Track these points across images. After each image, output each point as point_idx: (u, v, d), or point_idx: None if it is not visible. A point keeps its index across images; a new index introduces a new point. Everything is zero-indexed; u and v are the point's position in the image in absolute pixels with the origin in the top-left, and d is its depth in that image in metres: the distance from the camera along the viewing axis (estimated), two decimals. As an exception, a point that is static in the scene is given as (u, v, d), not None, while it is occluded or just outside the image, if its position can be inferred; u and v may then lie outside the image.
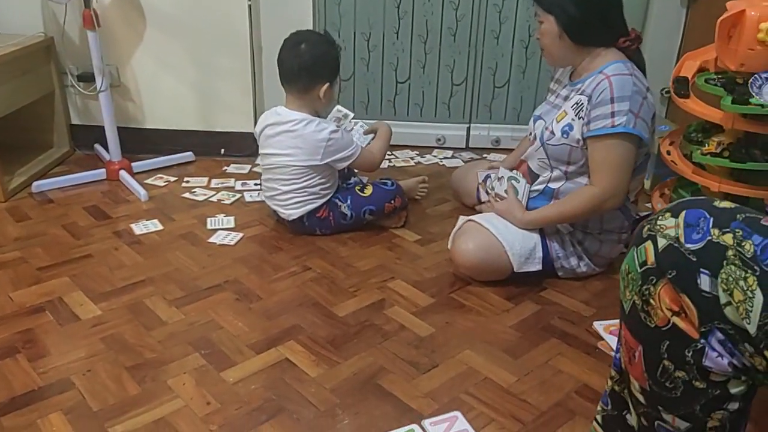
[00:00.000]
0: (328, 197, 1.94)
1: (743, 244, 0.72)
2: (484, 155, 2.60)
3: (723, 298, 0.73)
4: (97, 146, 2.51)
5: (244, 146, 2.50)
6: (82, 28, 2.24)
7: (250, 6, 2.37)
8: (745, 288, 0.71)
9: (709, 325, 0.75)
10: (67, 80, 2.44)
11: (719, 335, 0.75)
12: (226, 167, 2.48)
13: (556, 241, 1.72)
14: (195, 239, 1.95)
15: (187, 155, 2.51)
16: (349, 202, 1.95)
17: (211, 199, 2.21)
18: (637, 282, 0.81)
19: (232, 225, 2.04)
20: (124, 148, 2.35)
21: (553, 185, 1.71)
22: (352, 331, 1.53)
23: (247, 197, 2.23)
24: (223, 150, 2.56)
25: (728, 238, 0.73)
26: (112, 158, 2.34)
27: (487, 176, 1.99)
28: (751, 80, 1.52)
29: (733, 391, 0.79)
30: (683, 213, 0.79)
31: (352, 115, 2.05)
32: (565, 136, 1.64)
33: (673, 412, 0.83)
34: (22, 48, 2.23)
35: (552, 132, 1.67)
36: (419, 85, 2.66)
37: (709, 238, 0.75)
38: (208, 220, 2.06)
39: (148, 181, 2.33)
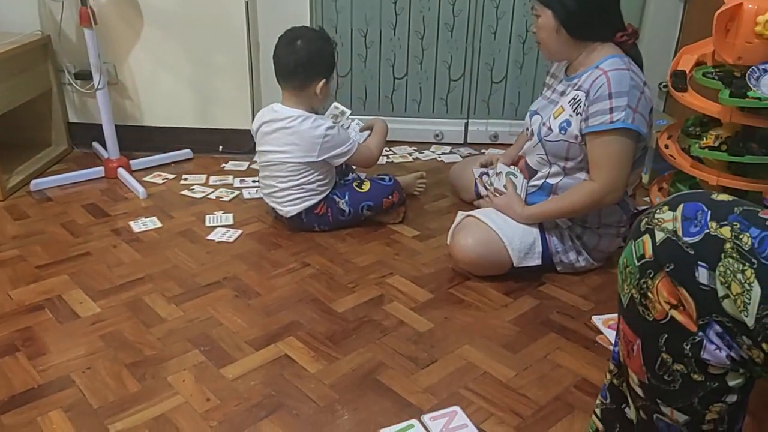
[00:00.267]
0: (326, 193, 1.94)
1: (741, 236, 0.72)
2: (483, 150, 2.60)
3: (721, 291, 0.73)
4: (95, 144, 2.51)
5: (242, 143, 2.50)
6: (78, 26, 2.23)
7: (247, 3, 2.37)
8: (743, 281, 0.71)
9: (707, 318, 0.75)
10: (64, 78, 2.44)
11: (717, 328, 0.75)
12: (224, 164, 2.48)
13: (555, 235, 1.72)
14: (194, 236, 1.95)
15: (186, 152, 2.51)
16: (347, 198, 1.95)
17: (209, 197, 2.21)
18: (635, 275, 0.81)
19: (230, 222, 2.04)
20: (122, 146, 2.35)
21: (551, 181, 1.71)
22: (351, 326, 1.53)
23: (246, 194, 2.23)
24: (221, 147, 2.56)
25: (726, 231, 0.73)
26: (110, 156, 2.34)
27: (483, 173, 1.98)
28: (748, 72, 1.52)
29: (732, 383, 0.79)
30: (681, 206, 0.78)
31: (349, 112, 2.05)
32: (563, 132, 1.64)
33: (672, 405, 0.83)
34: (19, 46, 2.22)
35: (549, 128, 1.67)
36: (417, 81, 2.65)
37: (707, 231, 0.75)
38: (207, 217, 2.06)
39: (147, 178, 2.33)
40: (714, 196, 0.79)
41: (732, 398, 0.80)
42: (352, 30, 2.57)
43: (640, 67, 1.65)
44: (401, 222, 2.05)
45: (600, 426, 1.01)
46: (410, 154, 2.61)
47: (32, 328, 1.51)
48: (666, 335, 0.79)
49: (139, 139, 2.51)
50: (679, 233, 0.77)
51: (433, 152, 2.63)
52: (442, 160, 2.56)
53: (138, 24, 2.39)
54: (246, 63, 2.44)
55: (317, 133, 1.84)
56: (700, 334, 0.76)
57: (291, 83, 1.87)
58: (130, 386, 1.33)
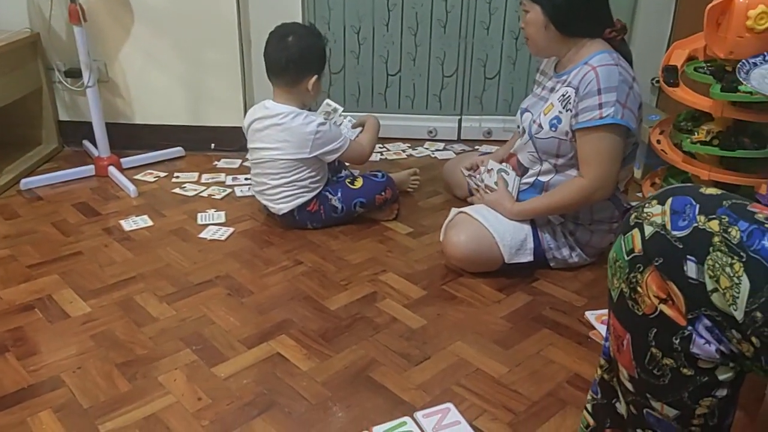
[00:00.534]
0: (318, 191, 1.93)
1: (729, 230, 0.72)
2: (476, 147, 2.60)
3: (710, 285, 0.73)
4: (86, 142, 2.50)
5: (234, 141, 2.49)
6: (68, 23, 2.22)
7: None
8: (732, 274, 0.71)
9: (696, 312, 0.75)
10: (54, 76, 2.43)
11: (706, 322, 0.75)
12: (216, 162, 2.47)
13: (548, 232, 1.72)
14: (185, 235, 1.94)
15: (177, 150, 2.50)
16: (339, 195, 1.95)
17: (201, 195, 2.20)
18: (625, 270, 0.81)
19: (222, 220, 2.03)
20: (113, 144, 2.34)
21: (543, 178, 1.71)
22: (344, 324, 1.53)
23: (238, 192, 2.22)
24: (213, 145, 2.55)
25: (714, 225, 0.73)
26: (100, 154, 2.32)
27: (470, 175, 1.98)
28: (738, 66, 1.52)
29: (721, 377, 0.79)
30: (669, 200, 0.78)
31: (341, 109, 2.04)
32: (553, 129, 1.64)
33: (662, 400, 0.83)
34: (7, 44, 2.21)
35: (540, 125, 1.67)
36: (410, 78, 2.65)
37: (696, 224, 0.74)
38: (199, 215, 2.05)
39: (138, 177, 2.32)
40: (703, 190, 0.79)
41: (722, 392, 0.80)
42: (344, 26, 2.56)
43: (629, 62, 1.65)
44: (394, 219, 2.04)
45: (591, 421, 1.01)
46: (404, 151, 2.60)
47: (23, 328, 1.50)
48: (655, 329, 0.79)
49: (130, 137, 2.49)
50: (668, 227, 0.76)
51: (427, 149, 2.63)
52: (435, 157, 2.56)
53: (128, 21, 2.38)
54: (238, 60, 2.43)
55: (309, 129, 1.84)
56: (690, 328, 0.76)
57: (282, 80, 1.86)
58: (121, 386, 1.32)
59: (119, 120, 2.50)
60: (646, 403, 0.85)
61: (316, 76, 1.87)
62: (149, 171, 2.37)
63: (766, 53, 1.14)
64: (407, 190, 2.21)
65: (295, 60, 1.83)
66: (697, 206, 0.76)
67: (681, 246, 0.75)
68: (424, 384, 1.34)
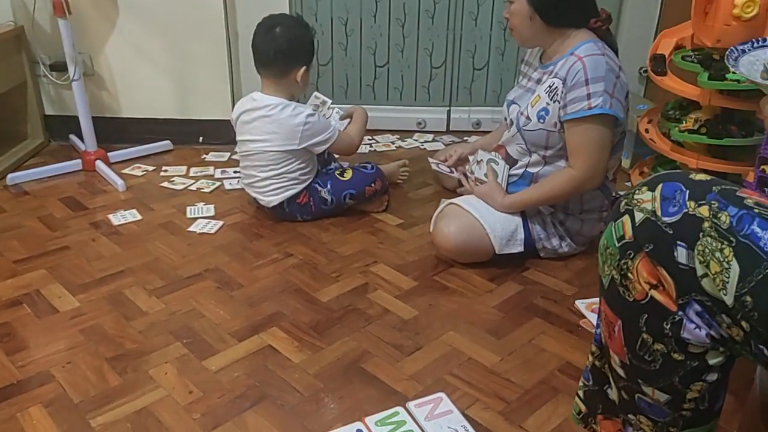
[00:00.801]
0: (308, 182, 1.93)
1: (719, 215, 0.72)
2: (465, 138, 2.59)
3: (700, 270, 0.73)
4: (72, 137, 2.47)
5: (222, 134, 2.47)
6: (52, 16, 2.19)
7: (224, -9, 2.34)
8: (722, 259, 0.71)
9: (687, 298, 0.75)
10: (39, 70, 2.39)
11: (697, 307, 0.75)
12: (204, 155, 2.45)
13: (538, 222, 1.73)
14: (174, 228, 1.92)
15: (165, 144, 2.48)
16: (329, 186, 1.94)
17: (190, 188, 2.19)
18: (615, 257, 0.81)
19: (212, 213, 2.02)
20: (99, 138, 2.32)
21: (532, 170, 1.71)
22: (335, 316, 1.53)
23: (227, 185, 2.20)
24: (201, 138, 2.53)
25: (704, 210, 0.73)
26: (87, 148, 2.30)
27: (437, 163, 1.98)
28: (727, 53, 1.52)
29: (712, 362, 0.79)
30: (660, 186, 0.78)
31: (330, 101, 2.03)
32: (541, 121, 1.64)
33: (653, 385, 0.83)
34: (-9, 37, 2.18)
35: (528, 117, 1.66)
36: (398, 69, 2.64)
37: (686, 210, 0.75)
38: (188, 208, 2.04)
39: (126, 171, 2.30)
40: (692, 176, 0.79)
41: (712, 377, 0.80)
42: (332, 18, 2.55)
43: (615, 52, 1.65)
44: (384, 210, 2.04)
45: (583, 407, 1.01)
46: (393, 143, 2.60)
47: (10, 323, 1.48)
48: (646, 315, 0.79)
49: (117, 131, 2.47)
50: (658, 213, 0.77)
51: (416, 140, 2.62)
52: (424, 148, 2.55)
53: (113, 13, 2.35)
54: (225, 52, 2.41)
55: (297, 120, 1.83)
56: (680, 313, 0.76)
57: (270, 71, 1.85)
58: (111, 380, 1.31)
59: (106, 114, 2.48)
60: (638, 388, 0.85)
61: (304, 67, 1.86)
62: (137, 165, 2.35)
63: (755, 40, 1.14)
64: (397, 181, 2.20)
65: (284, 51, 1.82)
66: (687, 192, 0.76)
67: (671, 232, 0.75)
68: (416, 374, 1.34)
